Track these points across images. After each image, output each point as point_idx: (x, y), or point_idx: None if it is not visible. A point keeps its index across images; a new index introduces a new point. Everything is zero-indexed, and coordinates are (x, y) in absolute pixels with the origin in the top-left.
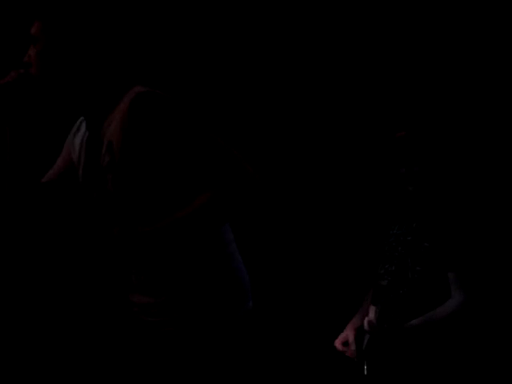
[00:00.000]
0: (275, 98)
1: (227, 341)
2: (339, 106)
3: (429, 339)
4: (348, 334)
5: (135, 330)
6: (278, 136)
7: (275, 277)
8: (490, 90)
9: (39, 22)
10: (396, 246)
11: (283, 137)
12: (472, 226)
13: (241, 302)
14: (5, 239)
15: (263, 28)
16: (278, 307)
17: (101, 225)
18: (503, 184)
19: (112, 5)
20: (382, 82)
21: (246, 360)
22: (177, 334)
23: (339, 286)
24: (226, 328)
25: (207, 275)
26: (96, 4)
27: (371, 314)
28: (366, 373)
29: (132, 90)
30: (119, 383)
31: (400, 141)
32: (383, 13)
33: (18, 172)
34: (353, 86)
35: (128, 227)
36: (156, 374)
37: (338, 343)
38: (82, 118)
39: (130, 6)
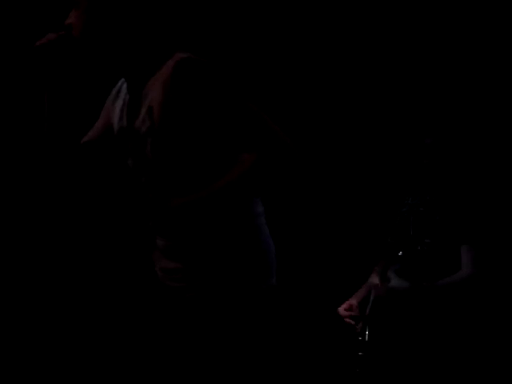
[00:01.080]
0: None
1: (246, 313)
2: (356, 91)
3: (433, 303)
4: (351, 301)
5: (157, 294)
6: (304, 126)
7: (299, 255)
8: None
9: None
10: (408, 216)
11: (308, 126)
12: (486, 200)
13: (265, 276)
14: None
15: (264, 28)
16: (300, 287)
17: (136, 190)
18: None
19: None
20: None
21: (262, 335)
22: (198, 299)
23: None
24: (247, 299)
25: (234, 245)
26: None
27: (375, 279)
28: (367, 339)
29: (175, 56)
30: (136, 349)
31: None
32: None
33: (56, 135)
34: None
35: (163, 195)
36: (172, 340)
37: (341, 309)
38: (122, 80)
39: None
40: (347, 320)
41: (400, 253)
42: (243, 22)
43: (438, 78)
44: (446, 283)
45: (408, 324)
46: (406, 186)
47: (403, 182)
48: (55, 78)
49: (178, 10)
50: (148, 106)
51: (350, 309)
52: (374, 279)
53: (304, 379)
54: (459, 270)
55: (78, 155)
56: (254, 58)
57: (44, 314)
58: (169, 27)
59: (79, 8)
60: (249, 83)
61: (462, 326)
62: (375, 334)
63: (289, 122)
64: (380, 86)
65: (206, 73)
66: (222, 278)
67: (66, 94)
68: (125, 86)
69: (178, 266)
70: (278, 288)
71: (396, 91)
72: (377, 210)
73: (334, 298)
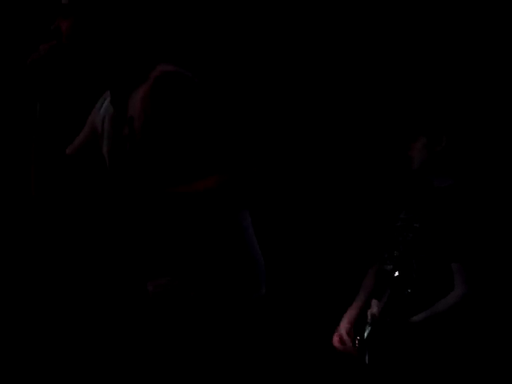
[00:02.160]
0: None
1: (235, 324)
2: (354, 91)
3: (431, 332)
4: (341, 331)
5: (148, 310)
6: (294, 125)
7: (288, 265)
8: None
9: None
10: (402, 231)
11: (298, 126)
12: (481, 218)
13: (254, 287)
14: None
15: (265, 28)
16: (289, 298)
17: (119, 192)
18: None
19: None
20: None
21: (251, 345)
22: (187, 310)
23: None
24: (236, 311)
25: (222, 256)
26: None
27: (374, 308)
28: (367, 362)
29: (158, 68)
30: (125, 363)
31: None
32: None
33: (47, 145)
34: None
35: (142, 190)
36: (161, 354)
37: (335, 342)
38: (107, 93)
39: None
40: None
41: (396, 273)
42: (236, 26)
43: (433, 87)
44: (441, 310)
45: (407, 349)
46: (400, 200)
47: (397, 195)
48: (47, 87)
49: (165, 18)
50: (129, 116)
51: (342, 340)
52: (373, 307)
53: None
54: (452, 289)
55: (66, 162)
56: (253, 57)
57: (41, 315)
58: (156, 37)
59: (69, 17)
60: (248, 83)
61: (461, 347)
62: (375, 358)
63: (279, 132)
64: (375, 95)
65: (185, 89)
66: (210, 288)
67: (58, 102)
68: (109, 98)
69: (167, 279)
70: (267, 298)
71: (391, 100)
72: (370, 223)
73: (325, 307)
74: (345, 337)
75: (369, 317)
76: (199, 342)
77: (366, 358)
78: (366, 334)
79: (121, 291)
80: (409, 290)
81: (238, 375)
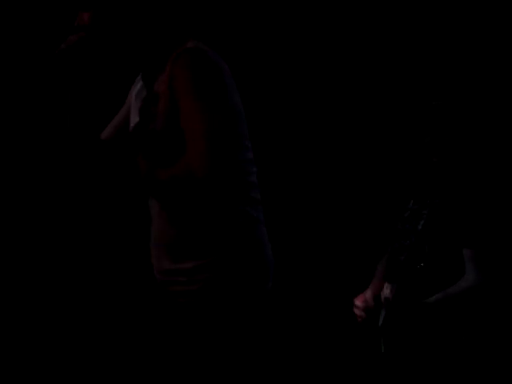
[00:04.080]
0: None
1: (241, 318)
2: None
3: (443, 315)
4: (367, 295)
5: (155, 298)
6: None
7: (295, 261)
8: None
9: None
10: (411, 220)
11: (301, 120)
12: (494, 205)
13: (262, 281)
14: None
15: (264, 28)
16: (295, 293)
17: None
18: None
19: None
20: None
21: (257, 339)
22: (194, 305)
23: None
24: (242, 304)
25: (232, 249)
26: None
27: (386, 291)
28: (383, 350)
29: (184, 46)
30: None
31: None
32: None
33: (78, 134)
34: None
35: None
36: (166, 345)
37: (359, 300)
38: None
39: None
40: (360, 312)
41: (402, 257)
42: (246, 20)
43: (437, 78)
44: (453, 293)
45: (421, 336)
46: (408, 189)
47: (405, 184)
48: (77, 78)
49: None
50: (155, 93)
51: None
52: (386, 290)
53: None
54: (463, 275)
55: (98, 152)
56: (253, 57)
57: (38, 316)
58: (179, 19)
59: (90, 9)
60: (249, 82)
61: (470, 333)
62: (391, 345)
63: (289, 122)
64: (379, 85)
65: (200, 66)
66: (216, 280)
67: (88, 93)
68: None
69: (177, 267)
70: (272, 293)
71: (396, 91)
72: (378, 215)
73: (331, 303)
74: (369, 300)
75: (382, 300)
76: (205, 337)
77: (382, 347)
78: (380, 321)
79: (126, 285)
80: (418, 267)
81: (243, 371)
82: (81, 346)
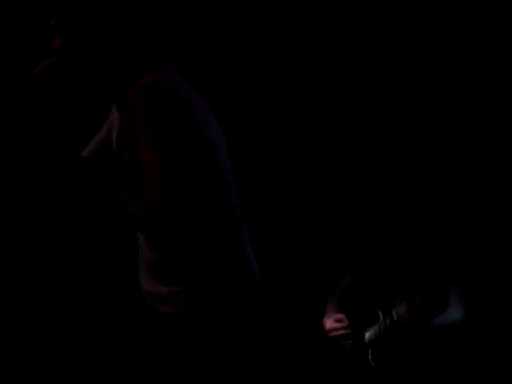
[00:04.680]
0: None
1: (228, 340)
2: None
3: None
4: (336, 315)
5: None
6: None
7: (283, 281)
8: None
9: (56, 14)
10: (395, 251)
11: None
12: (473, 236)
13: (249, 301)
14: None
15: (263, 28)
16: (285, 309)
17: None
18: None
19: None
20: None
21: (243, 362)
22: (181, 326)
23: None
24: (229, 326)
25: (216, 272)
26: None
27: (401, 310)
28: (371, 362)
29: (143, 78)
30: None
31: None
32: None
33: (53, 154)
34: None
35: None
36: (153, 368)
37: (329, 323)
38: None
39: None
40: (337, 334)
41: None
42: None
43: (427, 121)
44: (440, 324)
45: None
46: (390, 223)
47: (387, 219)
48: (53, 98)
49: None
50: (122, 124)
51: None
52: (401, 309)
53: None
54: (447, 306)
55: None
56: (253, 57)
57: (32, 322)
58: (139, 49)
59: (58, 35)
60: (247, 84)
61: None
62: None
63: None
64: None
65: (153, 102)
66: (205, 303)
67: (65, 111)
68: None
69: (163, 290)
70: (261, 312)
71: (385, 127)
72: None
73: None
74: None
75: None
76: (193, 357)
77: (370, 358)
78: (367, 337)
79: (120, 295)
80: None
81: None
82: (75, 352)
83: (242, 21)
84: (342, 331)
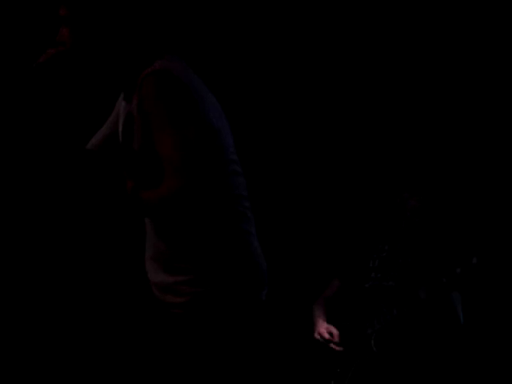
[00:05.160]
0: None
1: (234, 330)
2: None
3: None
4: (329, 327)
5: (150, 308)
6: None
7: (288, 272)
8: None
9: (64, 4)
10: (390, 259)
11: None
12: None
13: (255, 292)
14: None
15: (263, 28)
16: (291, 302)
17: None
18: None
19: None
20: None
21: (247, 353)
22: (188, 316)
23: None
24: (234, 317)
25: (223, 262)
26: None
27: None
28: (375, 349)
29: (152, 66)
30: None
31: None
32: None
33: (58, 146)
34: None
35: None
36: (160, 358)
37: (322, 333)
38: None
39: None
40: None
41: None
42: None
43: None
44: (440, 332)
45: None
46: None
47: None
48: (59, 88)
49: (163, 15)
50: (130, 113)
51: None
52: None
53: None
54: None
55: (84, 161)
56: (253, 57)
57: (32, 322)
58: (147, 37)
59: (67, 26)
60: (246, 84)
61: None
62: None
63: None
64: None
65: (162, 88)
66: (212, 293)
67: (70, 102)
68: None
69: (170, 280)
70: (266, 303)
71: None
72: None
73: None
74: (334, 331)
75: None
76: (199, 347)
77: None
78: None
79: (123, 292)
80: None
81: (237, 377)
82: (77, 351)
83: (246, 17)
84: (333, 345)
